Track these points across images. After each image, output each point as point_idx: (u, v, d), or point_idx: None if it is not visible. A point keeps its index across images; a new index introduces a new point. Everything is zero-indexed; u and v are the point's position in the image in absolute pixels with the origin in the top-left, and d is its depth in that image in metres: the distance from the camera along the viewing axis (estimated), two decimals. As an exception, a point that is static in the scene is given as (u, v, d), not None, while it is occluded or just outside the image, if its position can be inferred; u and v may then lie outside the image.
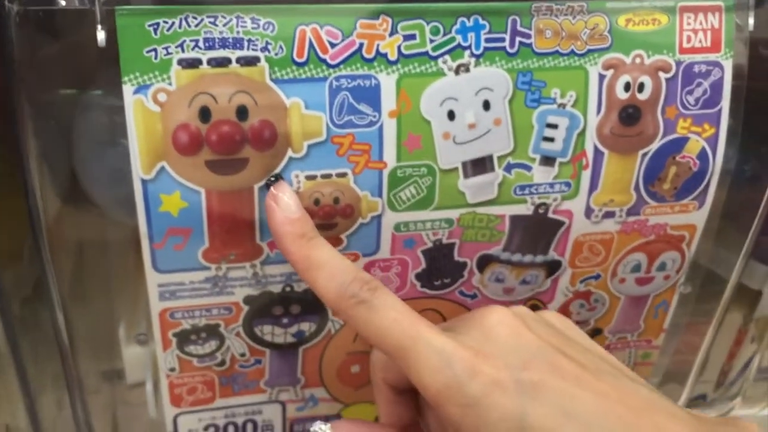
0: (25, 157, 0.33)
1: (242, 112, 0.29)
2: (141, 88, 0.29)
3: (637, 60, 0.33)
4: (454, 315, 0.37)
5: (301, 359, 0.36)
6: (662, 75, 0.34)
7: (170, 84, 0.29)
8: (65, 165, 0.36)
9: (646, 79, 0.33)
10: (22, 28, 0.30)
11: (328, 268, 0.29)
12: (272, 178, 0.30)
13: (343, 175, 0.31)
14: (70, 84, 0.35)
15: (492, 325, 0.28)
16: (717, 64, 0.34)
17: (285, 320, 0.35)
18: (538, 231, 0.35)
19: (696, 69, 0.34)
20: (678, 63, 0.34)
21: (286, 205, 0.30)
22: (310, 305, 0.35)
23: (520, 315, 0.29)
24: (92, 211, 0.38)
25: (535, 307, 0.38)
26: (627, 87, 0.33)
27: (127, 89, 0.29)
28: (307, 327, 0.35)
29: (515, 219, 0.34)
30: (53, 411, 0.43)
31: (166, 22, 0.28)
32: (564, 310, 0.39)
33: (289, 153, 0.30)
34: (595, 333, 0.40)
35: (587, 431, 0.26)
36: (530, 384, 0.26)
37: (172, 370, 0.35)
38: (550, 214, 0.35)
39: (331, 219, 0.32)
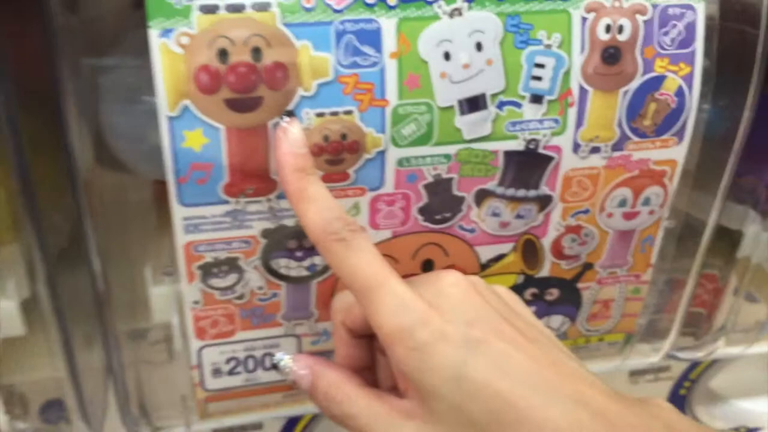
0: (64, 114, 0.36)
1: (257, 54, 0.32)
2: (165, 32, 0.32)
3: (616, 3, 0.36)
4: (455, 249, 0.40)
5: (314, 292, 0.39)
6: (639, 17, 0.37)
7: (192, 28, 0.32)
8: (95, 123, 0.39)
9: (625, 21, 0.36)
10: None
11: (318, 204, 0.32)
12: (285, 114, 0.33)
13: (349, 112, 0.34)
14: (102, 47, 0.38)
15: (447, 285, 0.32)
16: (690, 7, 0.37)
17: (299, 254, 0.38)
18: (529, 166, 0.38)
19: (670, 11, 0.37)
20: (654, 6, 0.37)
21: (293, 138, 0.33)
22: (322, 239, 0.37)
23: (473, 282, 0.33)
24: (118, 167, 0.41)
25: (530, 242, 0.41)
26: (608, 29, 0.36)
27: (153, 33, 0.32)
28: (319, 260, 0.38)
29: (508, 154, 0.37)
30: (87, 365, 0.45)
31: (187, -28, 0.31)
32: (557, 246, 0.42)
33: (300, 92, 0.33)
34: (586, 268, 0.43)
35: (517, 387, 0.29)
36: (473, 340, 0.30)
37: (196, 302, 0.38)
38: (540, 150, 0.38)
39: (338, 154, 0.35)
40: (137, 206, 0.45)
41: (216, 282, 0.38)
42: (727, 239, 0.51)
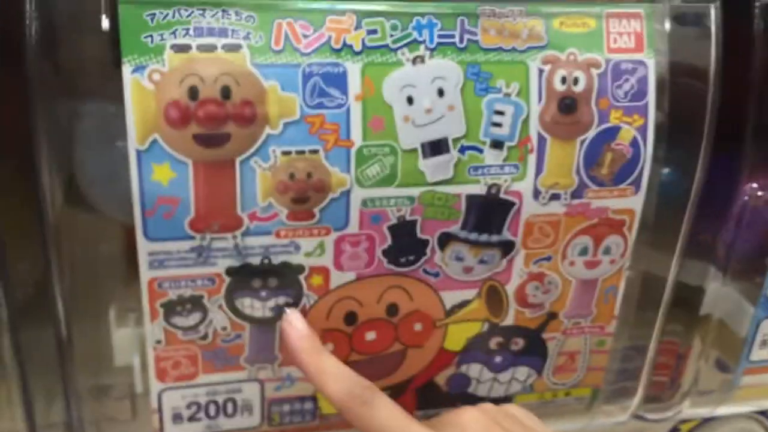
0: (36, 158, 0.37)
1: (226, 92, 0.34)
2: (138, 69, 0.33)
3: (571, 57, 0.38)
4: (420, 293, 0.40)
5: (278, 335, 0.39)
6: (594, 71, 0.38)
7: (163, 66, 0.33)
8: (66, 167, 0.40)
9: (580, 74, 0.38)
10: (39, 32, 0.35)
11: (336, 375, 0.36)
12: (285, 307, 0.38)
13: (315, 152, 0.35)
14: (78, 93, 0.40)
15: (467, 423, 0.35)
16: (641, 63, 0.39)
17: (263, 293, 0.38)
18: (491, 210, 0.39)
19: (623, 66, 0.39)
20: (607, 60, 0.39)
21: (300, 326, 0.38)
22: (287, 279, 0.38)
23: (488, 411, 0.36)
24: (88, 212, 0.42)
25: (494, 289, 0.42)
26: (563, 80, 0.38)
27: (126, 69, 0.33)
28: (283, 301, 0.38)
29: (470, 198, 0.38)
30: (45, 420, 0.45)
31: (161, 13, 0.33)
32: (521, 293, 0.42)
33: (267, 130, 0.35)
34: (550, 317, 0.44)
35: None
36: None
37: (159, 342, 0.38)
38: (502, 195, 0.39)
39: (304, 193, 0.36)
40: (105, 253, 0.45)
41: (179, 321, 0.38)
42: (686, 305, 0.51)
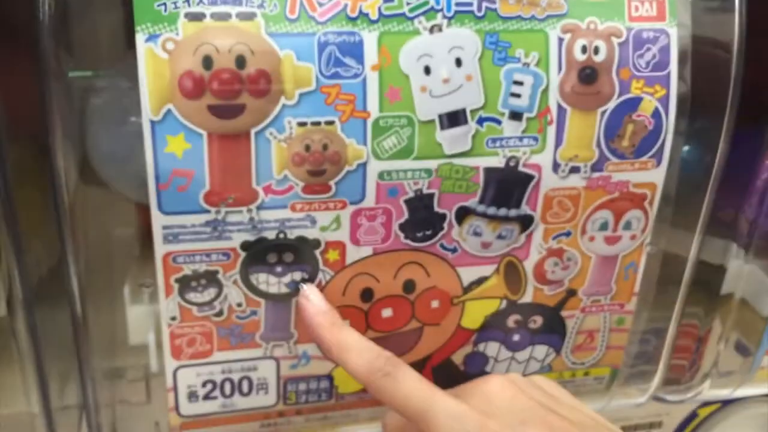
0: (51, 135, 0.36)
1: (241, 62, 0.33)
2: (151, 37, 0.32)
3: (591, 26, 0.37)
4: (437, 270, 0.40)
5: (294, 311, 0.39)
6: (615, 40, 0.38)
7: (177, 34, 0.33)
8: (81, 145, 0.40)
9: (601, 43, 0.37)
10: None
11: (357, 349, 0.35)
12: (302, 283, 0.37)
13: (331, 123, 0.35)
14: (92, 68, 0.39)
15: (493, 392, 0.34)
16: (663, 32, 0.38)
17: (279, 269, 0.37)
18: (510, 184, 0.38)
19: (645, 35, 0.38)
20: (628, 29, 0.38)
21: (317, 300, 0.37)
22: (302, 254, 0.37)
23: (515, 381, 0.35)
24: (102, 190, 0.41)
25: (512, 265, 0.41)
26: (584, 49, 0.37)
27: (140, 38, 0.32)
28: (299, 277, 0.38)
29: (489, 171, 0.38)
30: (60, 403, 0.44)
31: (174, -19, 0.32)
32: (539, 270, 0.41)
33: (283, 100, 0.34)
34: (569, 294, 0.43)
35: None
36: None
37: (173, 318, 0.38)
38: (521, 168, 0.38)
39: (320, 165, 0.35)
40: (120, 231, 0.45)
41: (194, 296, 0.37)
42: (707, 284, 0.50)
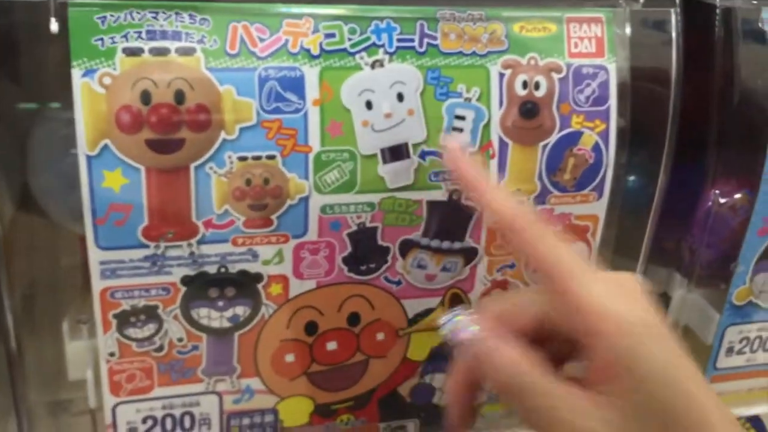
0: None
1: (180, 97, 0.33)
2: (88, 72, 0.32)
3: (532, 62, 0.38)
4: (382, 302, 0.40)
5: (236, 345, 0.38)
6: (555, 75, 0.38)
7: (115, 69, 0.32)
8: (19, 176, 0.39)
9: (541, 79, 0.38)
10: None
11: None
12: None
13: (272, 157, 0.35)
14: (28, 98, 0.39)
15: (629, 281, 0.30)
16: (602, 68, 0.39)
17: (220, 303, 0.37)
18: (453, 217, 0.39)
19: (584, 71, 0.39)
20: (568, 65, 0.38)
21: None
22: (245, 288, 0.37)
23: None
24: (41, 221, 0.41)
25: (457, 297, 0.41)
26: (525, 85, 0.38)
27: (76, 73, 0.32)
28: (241, 311, 0.38)
29: (432, 204, 0.38)
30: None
31: (112, 15, 0.32)
32: (484, 301, 0.42)
33: (223, 135, 0.34)
34: (515, 325, 0.43)
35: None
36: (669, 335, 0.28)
37: (112, 354, 0.37)
38: (464, 201, 0.38)
39: (261, 199, 0.35)
40: (57, 263, 0.44)
41: (133, 332, 0.37)
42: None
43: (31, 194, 0.40)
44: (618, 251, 0.46)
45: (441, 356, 0.43)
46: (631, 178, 0.44)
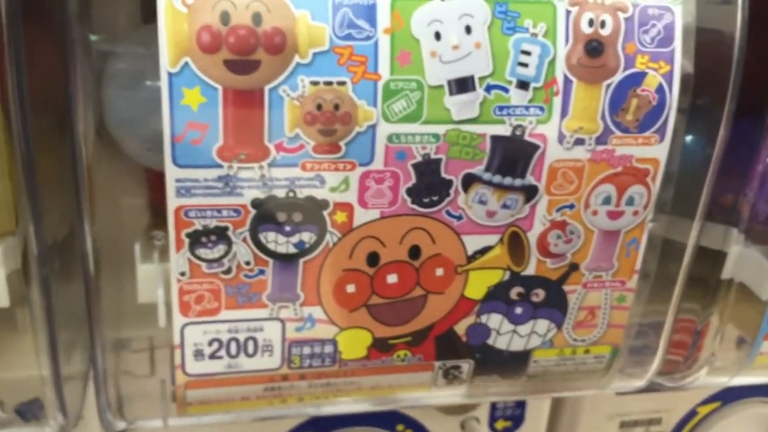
0: (73, 102, 0.37)
1: (257, 19, 0.34)
2: (172, -8, 0.33)
3: (598, 0, 0.38)
4: (442, 236, 0.41)
5: (301, 272, 0.40)
6: (621, 14, 0.39)
7: (197, -10, 0.34)
8: (98, 109, 0.41)
9: (607, 17, 0.38)
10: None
11: None
12: None
13: (343, 83, 0.36)
14: (109, 32, 0.40)
15: None
16: (668, 9, 0.39)
17: (287, 228, 0.38)
18: (516, 153, 0.39)
19: (650, 11, 0.39)
20: (634, 5, 0.39)
21: None
22: (311, 214, 0.38)
23: None
24: (116, 155, 0.42)
25: (516, 236, 0.42)
26: (591, 23, 0.38)
27: (161, -8, 0.33)
28: (307, 237, 0.39)
29: (495, 139, 0.39)
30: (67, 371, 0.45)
31: (196, -62, 0.34)
32: (543, 242, 0.42)
33: (296, 58, 0.35)
34: (572, 268, 0.44)
35: None
36: None
37: (183, 274, 0.38)
38: (527, 137, 0.39)
39: (331, 125, 0.36)
40: (133, 198, 0.46)
41: (204, 252, 0.38)
42: (706, 273, 0.51)
43: (105, 127, 0.41)
44: (674, 208, 0.46)
45: (497, 297, 0.43)
46: (691, 132, 0.44)
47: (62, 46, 0.38)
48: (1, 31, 0.35)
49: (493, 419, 0.64)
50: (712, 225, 0.49)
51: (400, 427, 0.61)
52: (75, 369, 0.48)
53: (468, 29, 0.37)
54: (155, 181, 0.44)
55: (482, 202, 0.40)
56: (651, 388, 0.54)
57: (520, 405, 0.65)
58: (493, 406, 0.64)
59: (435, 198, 0.39)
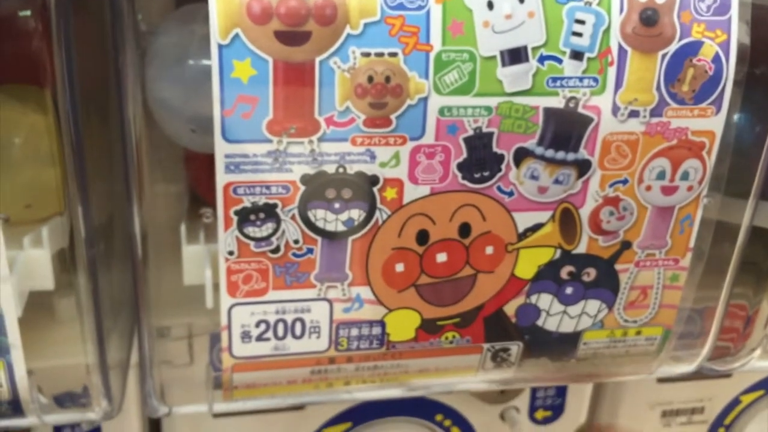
0: (123, 81, 0.37)
1: (308, -12, 0.34)
2: (222, -38, 0.33)
3: (653, -33, 0.37)
4: (493, 213, 0.40)
5: (349, 251, 0.39)
6: (676, -18, 0.38)
7: (247, -41, 0.33)
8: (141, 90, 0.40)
9: (662, -15, 0.37)
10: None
11: None
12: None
13: (394, 54, 0.35)
14: (147, 13, 0.40)
15: None
16: (724, -24, 0.38)
17: (337, 205, 0.37)
18: (569, 125, 0.38)
19: (706, -21, 0.38)
20: (690, -28, 0.38)
21: None
22: (361, 190, 0.37)
23: None
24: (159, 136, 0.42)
25: (568, 212, 0.41)
26: (645, -9, 0.37)
27: (210, -38, 0.33)
28: (356, 215, 0.38)
29: (548, 111, 0.38)
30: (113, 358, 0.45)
31: None
32: (595, 218, 0.41)
33: (348, 29, 0.34)
34: (624, 246, 0.42)
35: None
36: None
37: (231, 253, 0.38)
38: (580, 109, 0.38)
39: (382, 97, 0.35)
40: (175, 183, 0.45)
41: (252, 231, 0.37)
42: (759, 254, 0.50)
43: (147, 107, 0.41)
44: (727, 190, 0.44)
45: (548, 276, 0.42)
46: (744, 106, 0.43)
47: (105, 28, 0.37)
48: (50, 17, 0.34)
49: (533, 409, 0.63)
50: (765, 204, 0.48)
51: (438, 417, 0.60)
52: (113, 357, 0.48)
53: (521, -2, 0.36)
54: (196, 165, 0.44)
55: (534, 178, 0.39)
56: (698, 374, 0.53)
57: (561, 394, 0.63)
58: (534, 396, 0.62)
59: (486, 173, 0.38)
